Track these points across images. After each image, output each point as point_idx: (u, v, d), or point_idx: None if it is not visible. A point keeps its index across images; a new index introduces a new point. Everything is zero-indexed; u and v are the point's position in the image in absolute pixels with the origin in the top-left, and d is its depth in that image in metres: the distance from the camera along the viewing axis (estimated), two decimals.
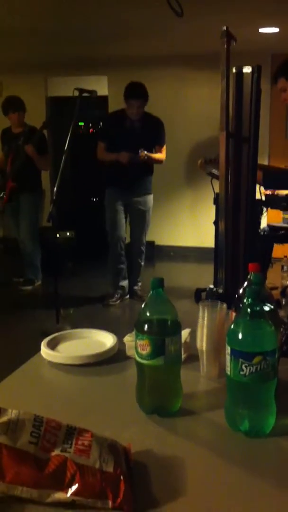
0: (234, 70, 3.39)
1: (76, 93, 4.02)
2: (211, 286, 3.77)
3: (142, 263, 4.92)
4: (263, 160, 5.78)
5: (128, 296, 4.90)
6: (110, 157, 4.58)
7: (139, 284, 4.93)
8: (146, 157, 4.43)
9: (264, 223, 4.87)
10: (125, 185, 4.61)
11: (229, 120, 3.37)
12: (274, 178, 3.25)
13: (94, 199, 4.83)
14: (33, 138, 4.94)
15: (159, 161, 4.73)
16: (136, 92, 4.43)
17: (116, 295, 4.83)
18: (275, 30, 5.09)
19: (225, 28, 3.25)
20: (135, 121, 4.55)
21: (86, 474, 0.88)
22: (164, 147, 4.72)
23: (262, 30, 5.10)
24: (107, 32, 5.11)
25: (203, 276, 4.98)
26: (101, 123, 5.26)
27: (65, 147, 3.87)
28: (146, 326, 1.16)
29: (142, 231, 4.80)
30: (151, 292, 1.19)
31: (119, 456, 0.94)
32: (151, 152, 4.59)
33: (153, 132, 4.63)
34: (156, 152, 4.66)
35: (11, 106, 5.15)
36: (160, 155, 4.70)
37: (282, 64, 3.15)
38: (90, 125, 5.97)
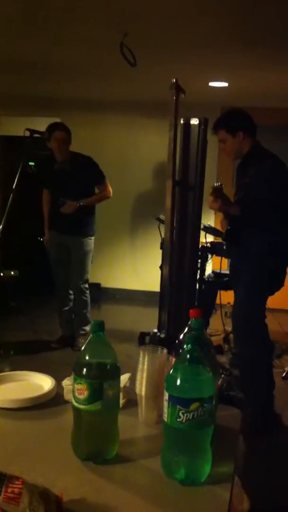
0: (182, 121, 3.50)
1: (27, 133, 4.04)
2: (155, 330, 3.78)
3: (85, 310, 4.70)
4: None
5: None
6: (45, 210, 4.66)
7: (83, 332, 4.69)
8: (76, 205, 4.38)
9: (209, 270, 4.97)
10: (62, 228, 4.54)
11: (176, 169, 3.46)
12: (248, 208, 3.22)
13: (41, 239, 4.78)
14: None
15: (102, 200, 4.63)
16: (58, 126, 4.42)
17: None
18: (224, 84, 5.31)
19: (174, 80, 3.37)
20: (64, 163, 4.44)
21: None
22: (106, 182, 4.58)
23: (212, 84, 5.30)
24: (60, 72, 5.18)
25: (149, 320, 4.98)
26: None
27: (13, 186, 3.86)
28: (84, 369, 1.15)
29: (79, 275, 4.61)
30: (91, 335, 1.19)
31: (50, 504, 0.92)
32: (89, 193, 4.53)
33: (85, 172, 4.49)
34: (99, 190, 4.59)
35: None
36: (100, 194, 4.59)
37: (222, 116, 3.37)
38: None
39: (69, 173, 4.44)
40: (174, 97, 3.35)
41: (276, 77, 4.87)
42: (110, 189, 4.62)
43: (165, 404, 1.12)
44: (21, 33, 4.04)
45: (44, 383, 1.55)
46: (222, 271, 4.85)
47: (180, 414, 1.08)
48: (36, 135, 4.10)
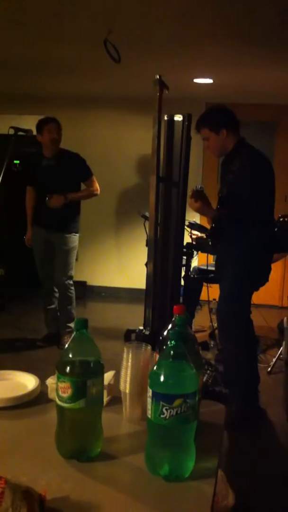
0: (166, 118, 3.50)
1: (12, 132, 4.01)
2: (141, 327, 3.78)
3: (69, 306, 4.64)
4: None
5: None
6: (28, 209, 4.64)
7: (69, 329, 4.61)
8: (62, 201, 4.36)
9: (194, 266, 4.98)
10: (46, 224, 4.52)
11: (160, 165, 3.46)
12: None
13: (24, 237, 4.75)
14: None
15: (89, 196, 4.63)
16: (52, 119, 4.42)
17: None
18: (209, 81, 5.31)
19: (158, 76, 3.37)
20: (51, 159, 4.43)
21: None
22: (93, 179, 4.57)
23: (197, 80, 5.30)
24: (45, 69, 5.15)
25: (135, 317, 4.98)
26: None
27: None
28: (67, 367, 1.15)
29: (63, 271, 4.55)
30: (74, 333, 1.18)
31: (33, 503, 0.91)
32: (76, 189, 4.51)
33: (73, 168, 4.48)
34: (86, 187, 4.58)
35: None
36: (88, 190, 4.58)
37: (204, 114, 3.32)
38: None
39: (56, 169, 4.42)
40: (158, 93, 3.35)
41: (261, 74, 4.89)
42: (98, 186, 4.60)
43: (149, 400, 1.12)
44: (4, 30, 4.01)
45: (28, 382, 1.54)
46: (207, 267, 4.87)
47: (164, 410, 1.08)
48: (20, 133, 4.07)
